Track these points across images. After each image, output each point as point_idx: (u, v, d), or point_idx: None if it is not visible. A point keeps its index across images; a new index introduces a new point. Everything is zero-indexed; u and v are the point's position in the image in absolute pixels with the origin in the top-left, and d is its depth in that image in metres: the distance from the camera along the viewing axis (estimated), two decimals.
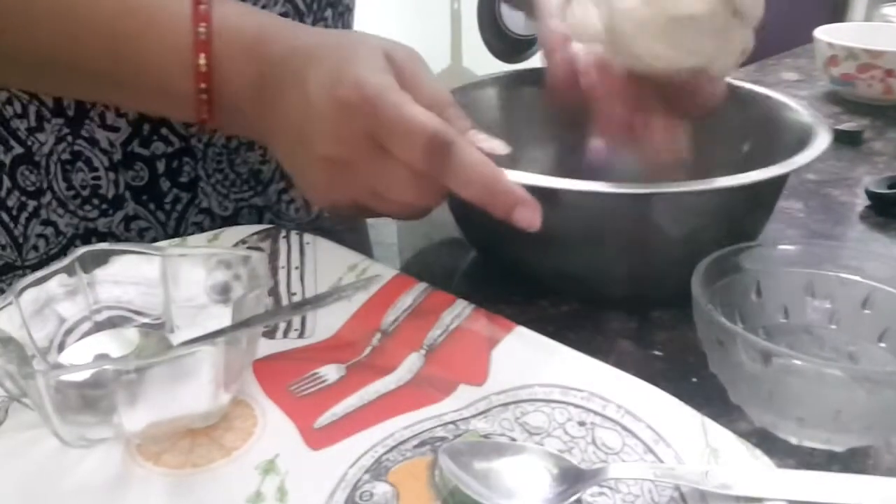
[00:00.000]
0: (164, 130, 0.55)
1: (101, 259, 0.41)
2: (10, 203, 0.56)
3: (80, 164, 0.55)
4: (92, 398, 0.34)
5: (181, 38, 0.45)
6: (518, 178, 0.42)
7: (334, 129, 0.42)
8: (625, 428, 0.35)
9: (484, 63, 1.97)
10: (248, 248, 0.49)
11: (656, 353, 0.44)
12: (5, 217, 0.56)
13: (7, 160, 0.55)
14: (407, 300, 0.44)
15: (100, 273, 0.41)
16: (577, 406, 0.37)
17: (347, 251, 0.48)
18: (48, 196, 0.56)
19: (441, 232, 0.56)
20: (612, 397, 0.36)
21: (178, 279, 0.42)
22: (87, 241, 0.57)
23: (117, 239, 0.57)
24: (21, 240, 0.57)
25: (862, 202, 0.62)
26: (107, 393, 0.33)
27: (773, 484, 0.31)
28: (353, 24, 0.66)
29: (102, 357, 0.39)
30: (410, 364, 0.41)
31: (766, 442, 0.37)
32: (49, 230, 0.57)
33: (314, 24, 0.59)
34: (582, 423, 0.36)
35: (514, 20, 2.02)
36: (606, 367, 0.38)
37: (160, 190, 0.57)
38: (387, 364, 0.41)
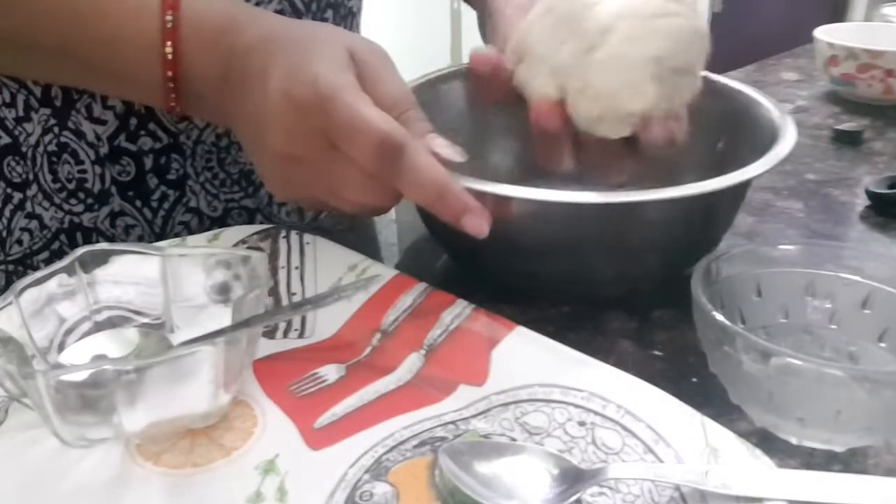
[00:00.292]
0: (151, 126, 0.55)
1: (101, 259, 0.41)
2: None
3: (66, 156, 0.55)
4: (92, 398, 0.33)
5: (149, 25, 0.45)
6: (471, 184, 0.42)
7: (289, 127, 0.42)
8: (625, 428, 0.35)
9: None
10: (248, 248, 0.49)
11: (656, 353, 0.44)
12: None
13: None
14: (407, 300, 0.44)
15: (100, 273, 0.41)
16: (577, 406, 0.37)
17: (347, 251, 0.48)
18: (34, 188, 0.56)
19: None
20: (612, 397, 0.36)
21: (178, 279, 0.42)
22: (71, 237, 0.57)
23: (103, 235, 0.57)
24: (5, 233, 0.57)
25: (862, 202, 0.62)
26: (107, 393, 0.33)
27: (773, 484, 0.31)
28: (360, 28, 0.66)
29: (102, 357, 0.39)
30: (410, 364, 0.41)
31: (767, 442, 0.37)
32: (34, 223, 0.57)
33: None
34: (582, 423, 0.36)
35: None
36: (606, 367, 0.38)
37: (147, 187, 0.56)
38: (387, 364, 0.41)
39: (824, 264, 0.41)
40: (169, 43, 0.45)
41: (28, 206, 0.56)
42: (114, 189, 0.56)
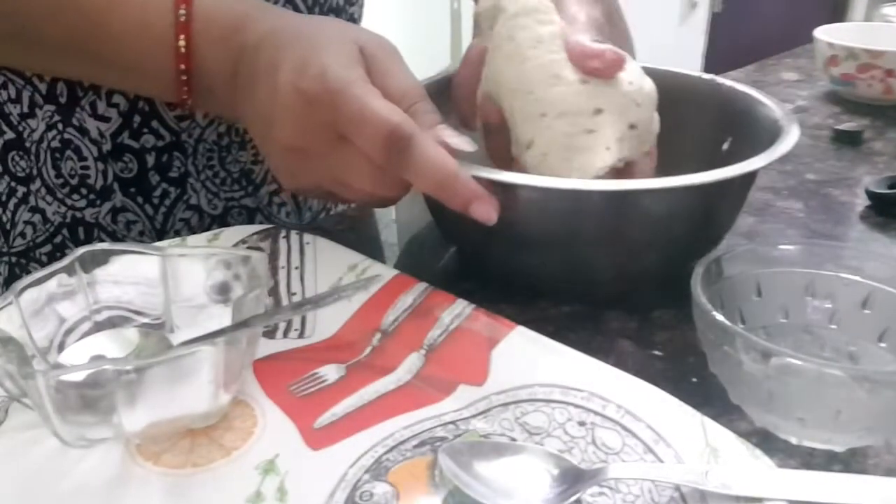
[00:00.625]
0: (154, 123, 0.55)
1: (101, 259, 0.41)
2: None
3: (69, 152, 0.55)
4: (92, 398, 0.33)
5: (162, 19, 0.45)
6: (479, 173, 0.43)
7: (297, 120, 0.42)
8: (625, 428, 0.35)
9: None
10: (248, 248, 0.49)
11: (656, 353, 0.44)
12: None
13: None
14: (407, 300, 0.44)
15: (100, 273, 0.41)
16: (577, 406, 0.37)
17: (347, 251, 0.48)
18: (37, 183, 0.56)
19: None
20: (612, 397, 0.36)
21: (178, 279, 0.42)
22: (73, 231, 0.57)
23: (104, 230, 0.57)
24: (9, 226, 0.58)
25: (862, 202, 0.62)
26: (106, 393, 0.33)
27: (773, 484, 0.31)
28: None
29: (102, 357, 0.39)
30: (410, 364, 0.41)
31: (767, 442, 0.37)
32: (37, 217, 0.57)
33: None
34: (582, 423, 0.36)
35: None
36: (606, 367, 0.38)
37: (149, 183, 0.57)
38: (387, 364, 0.41)
39: (824, 264, 0.41)
40: (182, 37, 0.45)
41: (32, 200, 0.57)
42: (116, 185, 0.56)
